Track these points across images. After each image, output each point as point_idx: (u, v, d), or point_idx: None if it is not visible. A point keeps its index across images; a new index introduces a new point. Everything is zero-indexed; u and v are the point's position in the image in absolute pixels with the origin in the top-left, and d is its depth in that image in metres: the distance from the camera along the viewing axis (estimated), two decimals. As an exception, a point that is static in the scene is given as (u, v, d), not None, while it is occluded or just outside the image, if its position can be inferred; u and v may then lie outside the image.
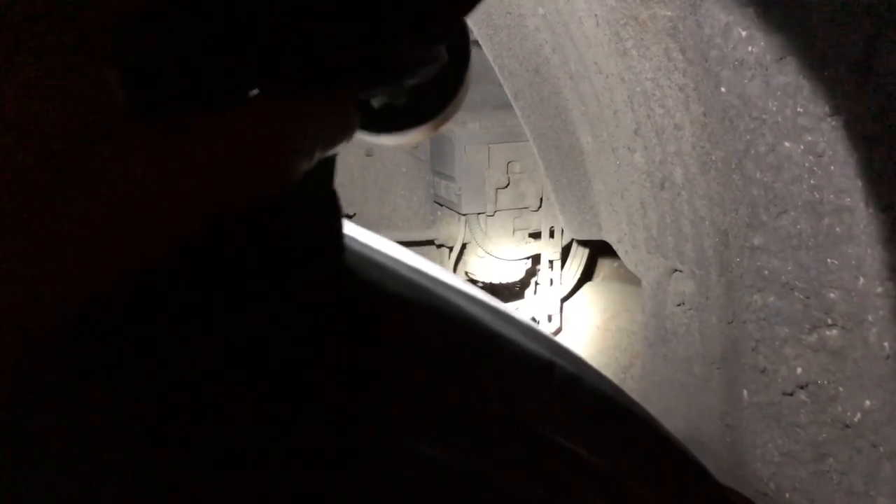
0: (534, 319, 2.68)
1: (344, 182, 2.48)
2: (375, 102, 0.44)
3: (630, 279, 1.82)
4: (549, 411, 0.50)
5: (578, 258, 2.67)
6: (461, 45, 0.46)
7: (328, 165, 0.41)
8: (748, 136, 1.26)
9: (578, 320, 2.73)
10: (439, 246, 2.61)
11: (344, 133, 0.39)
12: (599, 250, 2.68)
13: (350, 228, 0.63)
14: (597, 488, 0.52)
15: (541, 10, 1.66)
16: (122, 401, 0.37)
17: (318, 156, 0.38)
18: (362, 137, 0.46)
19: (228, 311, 0.38)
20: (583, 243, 2.61)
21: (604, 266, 2.94)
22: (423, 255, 2.56)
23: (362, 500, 0.41)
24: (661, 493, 0.56)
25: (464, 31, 0.46)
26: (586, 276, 2.82)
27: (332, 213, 0.42)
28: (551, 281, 2.63)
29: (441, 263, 2.62)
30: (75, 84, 0.29)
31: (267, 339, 0.39)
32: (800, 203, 1.23)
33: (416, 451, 0.44)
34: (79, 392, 0.36)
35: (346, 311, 0.43)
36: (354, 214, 2.51)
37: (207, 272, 0.37)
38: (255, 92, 0.37)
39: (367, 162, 2.50)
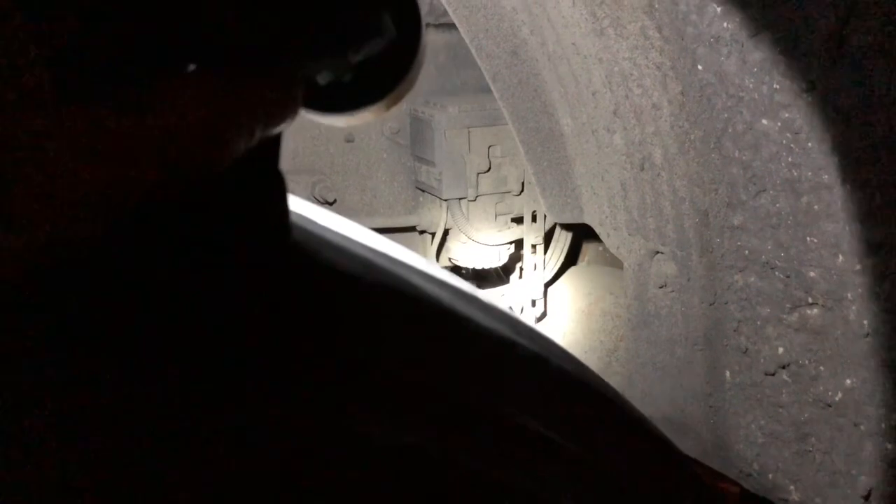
0: (510, 308, 2.68)
1: (324, 169, 2.46)
2: (322, 80, 0.42)
3: (615, 262, 1.81)
4: (511, 391, 0.49)
5: (562, 242, 2.66)
6: (411, 20, 0.44)
7: (273, 145, 0.39)
8: (726, 115, 1.25)
9: (563, 304, 2.73)
10: (422, 232, 2.60)
11: (285, 110, 0.37)
12: (584, 234, 2.68)
13: (318, 211, 0.61)
14: (563, 468, 0.51)
15: (517, -9, 1.65)
16: (60, 387, 0.35)
17: (260, 134, 0.36)
18: (311, 117, 0.44)
19: (168, 288, 0.37)
20: (566, 227, 2.60)
21: (589, 249, 2.94)
22: (406, 241, 2.54)
23: (313, 483, 0.40)
24: (630, 472, 0.55)
25: (413, 6, 0.44)
26: (571, 259, 2.81)
27: (277, 193, 0.41)
28: (535, 265, 2.62)
29: (424, 249, 2.61)
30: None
31: (208, 315, 0.38)
32: (778, 181, 1.22)
33: (370, 434, 0.43)
34: (11, 377, 0.34)
35: (292, 289, 0.42)
36: (335, 201, 2.49)
37: (145, 250, 0.36)
38: (191, 66, 0.36)
39: (348, 148, 2.48)
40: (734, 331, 1.45)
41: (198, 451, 0.37)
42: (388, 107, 0.45)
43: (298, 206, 0.55)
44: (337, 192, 2.49)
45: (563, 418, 0.52)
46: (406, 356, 0.45)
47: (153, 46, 0.33)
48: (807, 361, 1.32)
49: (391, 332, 0.45)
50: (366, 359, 0.43)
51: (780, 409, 1.40)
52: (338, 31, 0.38)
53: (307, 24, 0.36)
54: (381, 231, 2.45)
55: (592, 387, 0.57)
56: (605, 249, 1.84)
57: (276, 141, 0.39)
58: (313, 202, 2.44)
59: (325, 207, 2.42)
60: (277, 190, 0.40)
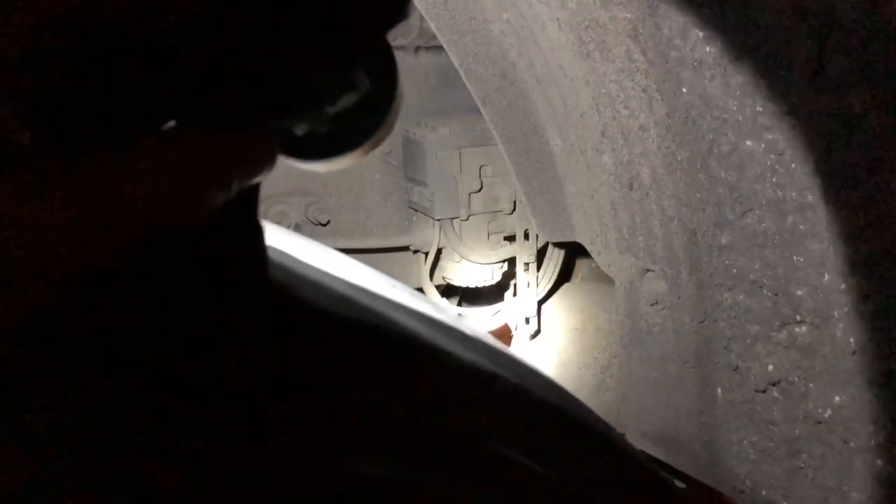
0: (504, 327, 2.68)
1: (318, 191, 2.47)
2: (299, 131, 0.44)
3: (608, 279, 1.82)
4: (492, 424, 0.50)
5: (554, 260, 2.67)
6: (387, 71, 0.45)
7: (251, 195, 0.41)
8: (711, 136, 1.26)
9: (557, 322, 2.73)
10: (415, 252, 2.61)
11: (262, 164, 0.39)
12: (577, 251, 2.69)
13: (300, 244, 0.62)
14: (544, 499, 0.52)
15: (505, 15, 1.66)
16: (36, 428, 0.36)
17: (237, 188, 0.37)
18: (290, 164, 0.45)
19: (145, 340, 0.38)
20: (558, 245, 2.61)
21: (582, 266, 2.94)
22: (399, 261, 2.55)
23: None
24: (612, 502, 0.56)
25: (389, 57, 0.45)
26: (564, 277, 2.82)
27: (255, 242, 0.42)
28: (528, 283, 2.63)
29: (417, 269, 2.62)
30: None
31: (187, 366, 0.39)
32: (764, 201, 1.23)
33: (351, 469, 0.44)
34: None
35: (273, 333, 0.43)
36: (329, 222, 2.50)
37: (124, 303, 0.37)
38: (170, 124, 0.37)
39: (341, 170, 2.49)
40: (724, 348, 1.46)
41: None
42: (367, 152, 0.46)
43: (281, 239, 0.56)
44: (330, 214, 2.50)
45: (543, 449, 0.53)
46: (385, 392, 0.46)
47: (131, 105, 0.34)
48: (796, 378, 1.33)
49: (371, 370, 0.46)
50: (346, 396, 0.44)
51: (772, 426, 1.41)
52: (313, 88, 0.39)
53: (282, 82, 0.37)
54: (375, 251, 2.46)
55: (574, 417, 0.58)
56: (598, 267, 1.85)
57: (253, 190, 0.40)
58: (307, 223, 2.45)
59: (319, 228, 2.43)
60: (255, 238, 0.41)
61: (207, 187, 0.35)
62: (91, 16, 0.31)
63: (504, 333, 2.68)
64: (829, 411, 1.28)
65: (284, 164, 0.45)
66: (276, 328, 0.44)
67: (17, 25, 0.30)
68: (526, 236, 2.56)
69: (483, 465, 0.48)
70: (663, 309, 1.66)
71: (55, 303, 0.32)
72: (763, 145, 1.17)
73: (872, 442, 1.21)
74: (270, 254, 0.46)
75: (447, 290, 2.72)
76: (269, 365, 0.42)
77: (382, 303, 0.51)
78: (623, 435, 1.80)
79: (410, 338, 0.49)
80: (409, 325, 0.50)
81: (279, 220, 2.35)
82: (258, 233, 0.42)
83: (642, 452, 1.82)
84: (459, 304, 2.71)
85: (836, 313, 1.19)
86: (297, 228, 2.42)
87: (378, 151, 2.48)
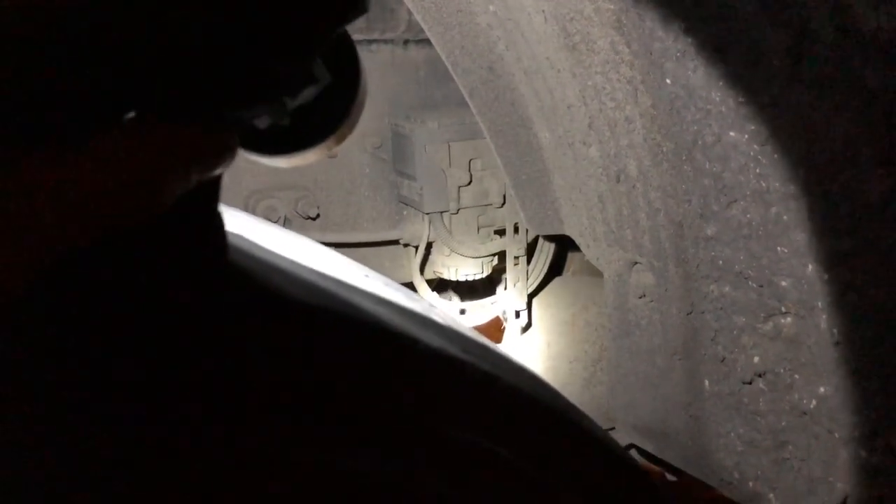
0: (494, 317, 2.68)
1: (307, 185, 2.46)
2: (260, 124, 0.43)
3: (598, 273, 1.82)
4: (459, 411, 0.50)
5: (545, 253, 2.68)
6: (349, 64, 0.45)
7: (211, 187, 0.40)
8: (695, 127, 1.26)
9: (548, 315, 2.74)
10: (405, 245, 2.61)
11: (221, 157, 0.39)
12: (568, 244, 2.69)
13: (270, 231, 0.62)
14: (517, 488, 0.52)
15: (491, 7, 1.66)
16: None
17: (196, 180, 0.37)
18: (253, 159, 0.45)
19: (105, 329, 0.38)
20: (549, 238, 2.61)
21: (574, 259, 2.95)
22: (390, 254, 2.55)
23: None
24: (584, 490, 0.56)
25: (351, 50, 0.45)
26: (555, 270, 2.83)
27: (214, 233, 0.42)
28: (518, 277, 2.63)
29: (408, 263, 2.62)
30: None
31: (147, 354, 0.39)
32: (748, 192, 1.23)
33: (321, 460, 0.44)
34: None
35: (237, 320, 0.43)
36: (318, 216, 2.50)
37: (81, 294, 0.37)
38: (128, 116, 0.37)
39: (330, 164, 2.49)
40: (711, 340, 1.46)
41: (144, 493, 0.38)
42: (331, 147, 0.46)
43: (250, 227, 0.56)
44: (320, 208, 2.49)
45: (512, 436, 0.53)
46: (346, 379, 0.45)
47: (87, 97, 0.34)
48: (782, 370, 1.33)
49: (337, 357, 0.46)
50: (312, 384, 0.44)
51: (758, 418, 1.41)
52: (271, 79, 0.39)
53: (240, 73, 0.37)
54: (365, 245, 2.46)
55: (544, 403, 0.58)
56: (589, 260, 1.85)
57: (213, 182, 0.40)
58: (296, 217, 2.45)
59: (309, 222, 2.43)
60: (215, 229, 0.41)
61: (165, 179, 0.35)
62: (47, 6, 0.31)
63: (494, 326, 2.68)
64: (814, 402, 1.28)
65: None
66: (238, 315, 0.43)
67: None
68: (516, 230, 2.56)
69: (449, 453, 0.48)
70: (651, 301, 1.66)
71: (6, 298, 0.32)
72: (746, 136, 1.17)
73: (857, 432, 1.21)
74: (238, 241, 0.46)
75: (438, 284, 2.72)
76: (230, 353, 0.42)
77: (350, 290, 0.51)
78: (609, 430, 1.80)
79: (376, 325, 0.49)
80: (377, 313, 0.50)
81: (268, 215, 2.35)
82: (218, 224, 0.42)
83: (627, 448, 1.83)
84: (451, 299, 2.71)
85: (819, 304, 1.19)
86: (287, 223, 2.42)
87: (368, 145, 2.49)
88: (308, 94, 0.43)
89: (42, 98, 0.33)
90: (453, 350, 0.52)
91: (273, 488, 0.41)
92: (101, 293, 0.37)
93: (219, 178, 0.41)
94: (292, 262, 0.51)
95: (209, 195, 0.41)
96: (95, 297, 0.37)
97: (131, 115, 0.37)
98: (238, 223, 0.47)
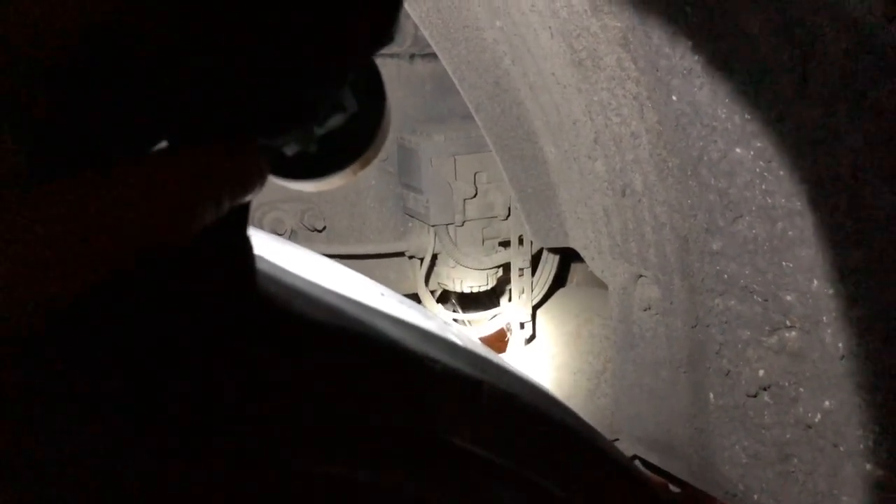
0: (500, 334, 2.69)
1: (313, 197, 2.47)
2: (288, 151, 0.45)
3: (602, 284, 1.83)
4: (477, 430, 0.51)
5: (549, 265, 2.68)
6: (375, 92, 0.47)
7: (240, 212, 0.42)
8: (701, 143, 1.27)
9: (552, 327, 2.74)
10: (411, 257, 2.61)
11: (253, 183, 0.40)
12: (572, 256, 2.70)
13: (291, 252, 0.63)
14: (525, 501, 0.53)
15: (498, 23, 1.68)
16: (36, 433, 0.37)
17: (227, 206, 0.38)
18: (281, 183, 0.46)
19: (135, 354, 0.39)
20: (553, 250, 2.62)
21: (577, 271, 2.95)
22: (395, 266, 2.55)
23: None
24: (590, 501, 0.57)
25: (376, 78, 0.46)
26: (559, 282, 2.83)
27: (243, 257, 0.43)
28: (522, 289, 2.64)
29: (413, 275, 2.62)
30: None
31: (175, 378, 0.40)
32: (754, 208, 1.24)
33: (348, 479, 0.45)
34: None
35: (261, 343, 0.44)
36: (325, 228, 2.51)
37: (115, 316, 0.38)
38: (161, 144, 0.38)
39: (330, 189, 2.50)
40: (716, 353, 1.47)
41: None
42: (356, 172, 0.47)
43: (272, 249, 0.57)
44: (326, 220, 2.50)
45: (528, 454, 0.54)
46: (368, 401, 0.47)
47: (122, 125, 0.35)
48: (787, 383, 1.34)
49: (354, 378, 0.47)
50: (329, 405, 0.45)
51: (763, 431, 1.42)
52: (301, 108, 0.40)
53: (271, 102, 0.38)
54: (371, 257, 2.46)
55: (560, 422, 0.59)
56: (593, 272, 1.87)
57: (243, 207, 0.41)
58: (303, 230, 2.46)
59: (315, 235, 2.44)
60: (243, 253, 0.42)
61: (198, 207, 0.36)
62: (82, 32, 0.32)
63: (498, 338, 2.69)
64: (818, 415, 1.29)
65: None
66: (264, 339, 0.45)
67: (11, 43, 0.31)
68: (521, 242, 2.57)
69: (467, 472, 0.49)
70: (656, 314, 1.67)
71: (42, 323, 0.33)
72: (752, 153, 1.18)
73: (862, 446, 1.22)
74: (261, 265, 0.47)
75: (443, 296, 2.73)
76: (257, 375, 0.43)
77: (369, 311, 0.52)
78: (614, 441, 1.81)
79: (396, 346, 0.50)
80: (396, 334, 0.51)
81: (275, 227, 2.36)
82: (247, 248, 0.43)
83: (631, 459, 1.83)
84: (455, 311, 2.72)
85: (824, 318, 1.20)
86: (293, 235, 2.43)
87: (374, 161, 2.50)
88: (335, 121, 0.44)
89: (76, 127, 0.34)
90: (471, 370, 0.54)
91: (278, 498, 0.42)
92: (129, 317, 0.38)
93: (248, 203, 0.42)
94: (313, 284, 0.52)
95: (239, 220, 0.42)
96: (124, 321, 0.38)
97: (164, 143, 0.38)
98: (258, 243, 0.48)
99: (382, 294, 0.63)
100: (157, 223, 0.34)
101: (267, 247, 0.54)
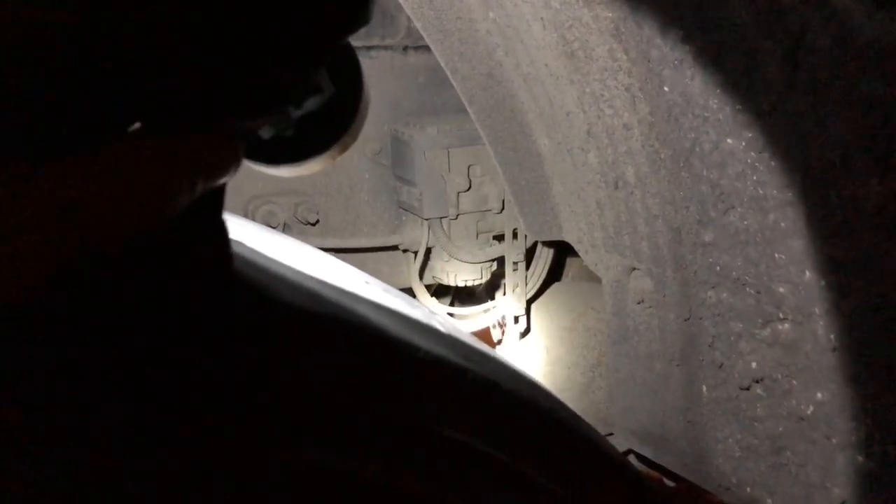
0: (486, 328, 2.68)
1: (307, 190, 2.47)
2: (264, 134, 0.44)
3: (597, 278, 1.83)
4: (459, 416, 0.51)
5: (543, 259, 2.68)
6: (353, 76, 0.46)
7: (215, 195, 0.41)
8: (693, 134, 1.27)
9: (547, 321, 2.74)
10: (405, 251, 2.61)
11: (227, 166, 0.39)
12: (567, 250, 2.69)
13: (274, 240, 0.63)
14: (514, 491, 0.52)
15: (490, 15, 1.67)
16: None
17: (202, 188, 0.38)
18: (257, 168, 0.46)
19: (112, 335, 0.38)
20: (547, 244, 2.62)
21: (573, 265, 2.95)
22: (389, 260, 2.55)
23: None
24: (581, 494, 0.56)
25: (353, 61, 0.46)
26: (554, 275, 2.83)
27: (219, 241, 0.42)
28: (516, 283, 2.63)
29: (407, 268, 2.62)
30: None
31: (151, 358, 0.39)
32: (745, 199, 1.24)
33: (322, 464, 0.44)
34: None
35: (239, 326, 0.43)
36: (318, 222, 2.50)
37: (90, 295, 0.37)
38: (134, 126, 0.37)
39: (330, 169, 2.49)
40: (709, 346, 1.47)
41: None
42: (334, 157, 0.47)
43: (255, 236, 0.56)
44: (319, 213, 2.50)
45: (511, 440, 0.53)
46: (349, 386, 0.46)
47: (93, 109, 0.35)
48: (779, 376, 1.33)
49: (335, 365, 0.47)
50: (309, 390, 0.45)
51: (756, 423, 1.41)
52: (275, 89, 0.39)
53: (244, 83, 0.38)
54: (365, 251, 2.46)
55: (544, 408, 0.58)
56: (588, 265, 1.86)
57: (218, 190, 0.40)
58: (296, 223, 2.45)
59: (308, 228, 2.43)
60: (219, 237, 0.42)
61: (172, 190, 0.36)
62: (59, 21, 0.32)
63: (485, 334, 2.69)
64: (811, 408, 1.29)
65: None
66: (241, 324, 0.44)
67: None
68: (515, 235, 2.56)
69: (449, 457, 0.48)
70: (649, 307, 1.67)
71: (20, 301, 0.32)
72: (744, 143, 1.18)
73: (854, 438, 1.22)
74: (239, 250, 0.47)
75: (437, 290, 2.72)
76: (231, 357, 0.42)
77: (351, 298, 0.52)
78: (608, 435, 1.80)
79: (377, 333, 0.49)
80: (378, 321, 0.51)
81: (268, 220, 2.35)
82: (222, 232, 0.42)
83: (625, 453, 1.83)
84: (451, 304, 2.71)
85: (816, 310, 1.20)
86: (286, 228, 2.43)
87: (368, 151, 2.49)
88: (312, 104, 0.44)
89: (49, 112, 0.34)
90: (454, 357, 0.53)
91: (265, 488, 0.42)
92: (106, 299, 0.38)
93: (223, 186, 0.41)
94: (294, 270, 0.51)
95: (213, 204, 0.41)
96: (101, 304, 0.38)
97: (136, 126, 0.37)
98: (240, 230, 0.47)
99: (367, 282, 0.62)
100: (130, 206, 0.34)
101: (247, 233, 0.54)
